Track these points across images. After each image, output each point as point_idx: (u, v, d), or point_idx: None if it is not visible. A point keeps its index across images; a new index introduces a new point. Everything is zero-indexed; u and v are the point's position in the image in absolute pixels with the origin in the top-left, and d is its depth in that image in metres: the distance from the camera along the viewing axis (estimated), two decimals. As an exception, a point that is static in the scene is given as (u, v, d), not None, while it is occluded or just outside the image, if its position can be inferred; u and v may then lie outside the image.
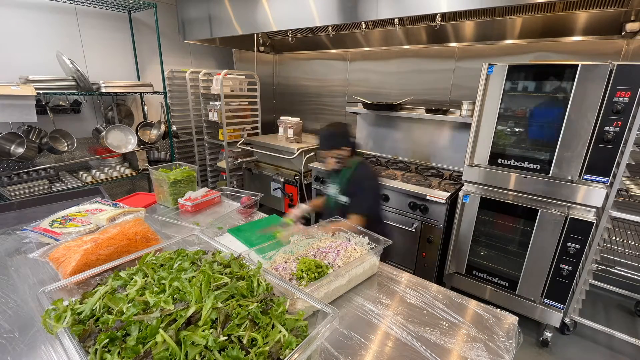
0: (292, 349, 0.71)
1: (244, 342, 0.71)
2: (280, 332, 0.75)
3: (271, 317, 0.78)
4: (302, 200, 3.09)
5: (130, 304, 0.79)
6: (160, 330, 0.69)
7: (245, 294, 0.86)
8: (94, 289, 0.91)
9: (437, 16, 2.18)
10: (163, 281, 0.89)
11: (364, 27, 2.73)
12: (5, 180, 2.51)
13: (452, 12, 2.07)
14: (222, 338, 0.70)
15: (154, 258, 1.04)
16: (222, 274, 0.92)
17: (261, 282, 0.91)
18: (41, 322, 0.77)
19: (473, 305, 1.19)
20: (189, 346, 0.67)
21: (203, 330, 0.72)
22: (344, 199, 1.81)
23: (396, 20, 2.36)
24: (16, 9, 2.59)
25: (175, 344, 0.68)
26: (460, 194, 2.22)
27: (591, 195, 1.83)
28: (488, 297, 2.28)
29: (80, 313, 0.79)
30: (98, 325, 0.75)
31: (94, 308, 0.81)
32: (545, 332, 2.14)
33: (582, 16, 2.15)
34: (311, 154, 3.08)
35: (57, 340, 0.74)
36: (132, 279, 0.93)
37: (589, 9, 1.99)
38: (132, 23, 3.19)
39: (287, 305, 0.84)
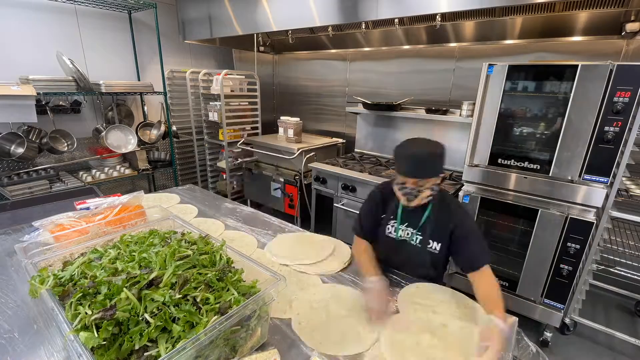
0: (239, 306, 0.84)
1: (198, 300, 0.84)
2: (232, 294, 0.88)
3: (227, 283, 0.92)
4: (302, 201, 3.09)
5: (102, 270, 0.94)
6: (125, 289, 0.82)
7: (206, 264, 0.99)
8: (74, 260, 1.06)
9: (437, 16, 2.18)
10: (134, 253, 1.02)
11: (364, 27, 2.72)
12: (5, 181, 2.51)
13: (452, 12, 2.07)
14: (178, 296, 0.83)
15: (129, 236, 1.17)
16: (187, 250, 1.05)
17: (222, 257, 1.05)
18: (29, 289, 0.92)
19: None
20: (148, 302, 0.80)
21: (162, 290, 0.84)
22: (435, 245, 1.34)
23: (396, 20, 2.36)
24: (16, 9, 2.59)
25: (137, 300, 0.81)
26: (460, 194, 2.21)
27: (591, 195, 1.82)
28: (488, 297, 2.28)
29: (61, 278, 0.94)
30: (75, 288, 0.88)
31: (73, 274, 0.95)
32: (545, 332, 2.14)
33: (582, 16, 2.15)
34: (311, 154, 3.07)
35: (41, 298, 0.87)
36: (107, 252, 1.06)
37: (589, 9, 1.99)
38: (132, 23, 3.19)
39: (243, 275, 0.98)
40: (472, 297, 1.22)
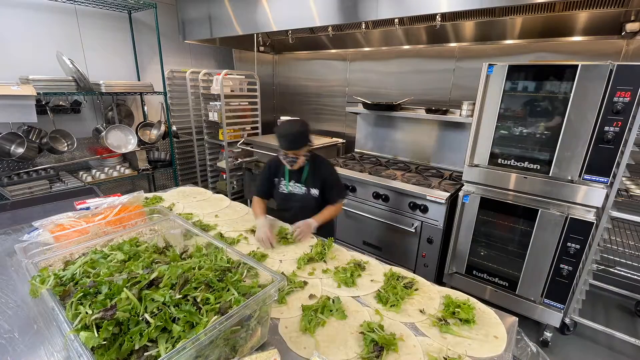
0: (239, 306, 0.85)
1: (198, 300, 0.85)
2: (232, 294, 0.89)
3: (227, 283, 0.93)
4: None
5: (106, 269, 0.95)
6: (125, 289, 0.83)
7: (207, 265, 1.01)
8: (75, 260, 1.07)
9: (437, 16, 2.18)
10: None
11: (364, 27, 2.72)
12: (5, 181, 2.52)
13: (452, 12, 2.07)
14: (178, 296, 0.84)
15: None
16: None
17: (223, 258, 1.09)
18: (29, 289, 0.91)
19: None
20: (148, 302, 0.81)
21: (163, 291, 0.85)
22: (314, 192, 1.87)
23: (396, 20, 2.36)
24: (16, 9, 2.59)
25: (137, 300, 0.81)
26: (460, 194, 2.22)
27: (591, 195, 1.82)
28: (488, 297, 2.28)
29: (62, 277, 0.94)
30: (76, 288, 0.88)
31: (74, 273, 0.95)
32: (545, 332, 2.14)
33: (582, 16, 2.15)
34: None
35: (42, 298, 0.87)
36: (111, 253, 1.07)
37: (589, 9, 1.99)
38: (132, 23, 3.19)
39: (244, 275, 1.01)
40: (472, 296, 1.22)
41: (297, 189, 1.89)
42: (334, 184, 1.89)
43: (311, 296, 1.22)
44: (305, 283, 1.30)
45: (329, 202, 1.88)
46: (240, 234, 1.69)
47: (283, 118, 3.38)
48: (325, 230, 1.87)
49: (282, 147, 1.74)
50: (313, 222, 1.71)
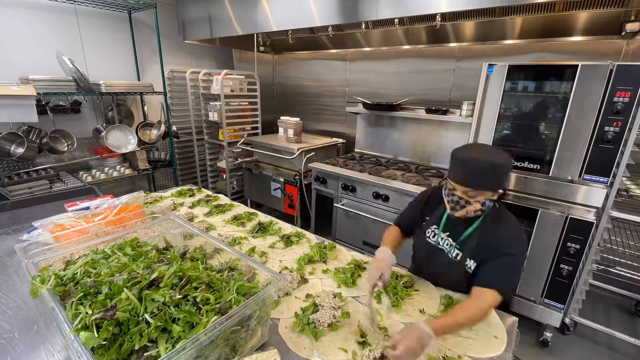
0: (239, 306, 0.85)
1: (198, 300, 0.85)
2: (233, 294, 0.89)
3: (227, 283, 0.93)
4: (302, 201, 3.09)
5: (108, 268, 0.94)
6: (125, 289, 0.82)
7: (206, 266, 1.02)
8: (76, 259, 1.07)
9: (437, 16, 2.18)
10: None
11: (364, 27, 2.72)
12: (6, 181, 2.51)
13: (452, 12, 2.07)
14: (178, 296, 0.84)
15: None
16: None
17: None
18: (30, 289, 0.91)
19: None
20: (148, 302, 0.81)
21: (163, 291, 0.85)
22: (470, 263, 1.20)
23: (396, 20, 2.36)
24: (16, 9, 2.59)
25: (137, 301, 0.81)
26: (460, 194, 2.21)
27: (591, 195, 1.82)
28: (488, 297, 2.28)
29: (63, 277, 0.94)
30: (77, 288, 0.88)
31: (75, 273, 0.95)
32: (545, 332, 2.14)
33: (582, 16, 2.15)
34: (311, 154, 3.07)
35: (42, 298, 0.87)
36: (115, 253, 1.07)
37: (589, 9, 1.99)
38: (132, 23, 3.19)
39: (245, 277, 1.00)
40: (468, 293, 1.22)
41: (448, 247, 1.27)
42: (500, 264, 1.12)
43: (308, 295, 1.22)
44: (306, 281, 1.30)
45: (476, 282, 1.12)
46: (240, 234, 1.69)
47: (283, 118, 3.36)
48: None
49: (453, 177, 1.16)
50: (427, 332, 0.90)
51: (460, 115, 2.57)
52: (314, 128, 3.91)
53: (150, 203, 2.03)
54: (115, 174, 3.10)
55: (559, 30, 2.30)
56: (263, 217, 1.89)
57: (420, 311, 1.16)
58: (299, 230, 1.74)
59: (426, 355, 0.91)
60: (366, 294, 1.19)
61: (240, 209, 2.01)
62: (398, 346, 0.86)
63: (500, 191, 1.15)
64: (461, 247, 1.23)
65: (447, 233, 1.28)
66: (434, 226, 1.32)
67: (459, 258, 1.22)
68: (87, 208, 1.55)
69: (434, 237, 1.31)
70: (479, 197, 1.12)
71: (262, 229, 1.72)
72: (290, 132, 3.27)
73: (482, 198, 1.13)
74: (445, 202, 1.21)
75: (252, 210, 1.96)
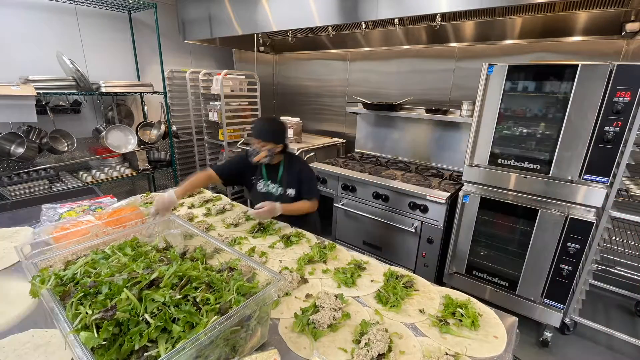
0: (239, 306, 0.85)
1: (198, 300, 0.85)
2: (232, 294, 0.89)
3: (227, 283, 0.94)
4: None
5: (108, 268, 0.95)
6: (125, 289, 0.83)
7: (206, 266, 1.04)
8: (76, 259, 1.08)
9: (437, 16, 2.18)
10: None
11: (364, 27, 2.72)
12: (6, 181, 2.51)
13: (452, 12, 2.07)
14: (178, 296, 0.84)
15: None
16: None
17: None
18: (30, 290, 0.90)
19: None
20: (148, 302, 0.81)
21: (163, 291, 0.85)
22: (290, 192, 1.90)
23: (396, 20, 2.36)
24: (16, 9, 2.59)
25: (137, 301, 0.81)
26: (460, 194, 2.22)
27: (591, 195, 1.82)
28: (488, 297, 2.28)
29: (63, 277, 0.94)
30: (76, 288, 0.88)
31: (75, 273, 0.95)
32: (545, 332, 2.14)
33: (582, 16, 2.15)
34: (311, 154, 3.07)
35: (42, 298, 0.86)
36: (115, 253, 1.07)
37: (589, 9, 1.99)
38: (132, 23, 3.19)
39: (245, 277, 1.02)
40: (472, 296, 1.22)
41: (274, 189, 1.93)
42: (306, 182, 1.91)
43: (308, 295, 1.22)
44: (306, 281, 1.30)
45: (303, 198, 1.90)
46: (240, 234, 1.69)
47: (283, 118, 3.38)
48: (307, 226, 1.84)
49: (252, 135, 1.81)
50: (278, 206, 1.71)
51: (460, 115, 2.57)
52: (314, 128, 3.92)
53: (151, 203, 2.03)
54: (115, 174, 3.10)
55: (559, 30, 2.30)
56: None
57: (420, 311, 1.16)
58: (299, 230, 1.74)
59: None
60: (366, 294, 1.25)
61: (239, 209, 2.02)
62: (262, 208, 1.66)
63: (281, 145, 1.83)
64: (280, 184, 1.92)
65: (270, 180, 1.95)
66: (261, 180, 1.97)
67: (281, 191, 1.91)
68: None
69: (263, 187, 1.96)
70: (267, 146, 1.77)
71: (262, 229, 1.72)
72: (290, 132, 3.28)
73: (268, 146, 1.77)
74: (250, 151, 1.81)
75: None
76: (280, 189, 1.91)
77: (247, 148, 1.97)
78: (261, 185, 1.96)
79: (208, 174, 1.90)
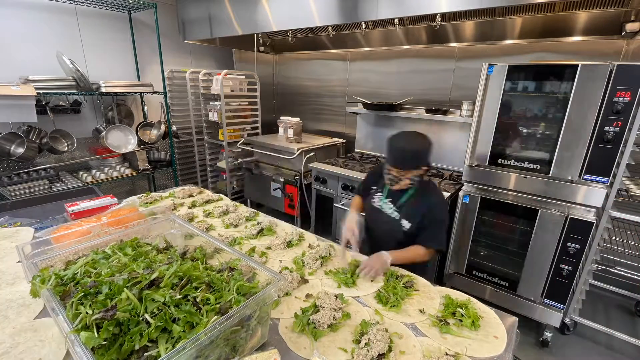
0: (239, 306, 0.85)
1: (198, 300, 0.85)
2: (233, 294, 0.89)
3: (227, 283, 0.94)
4: (302, 201, 3.09)
5: (108, 268, 0.95)
6: (125, 289, 0.82)
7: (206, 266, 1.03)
8: (77, 259, 1.08)
9: (437, 16, 2.18)
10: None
11: (364, 27, 2.72)
12: (5, 181, 2.51)
13: (452, 12, 2.07)
14: (178, 296, 0.84)
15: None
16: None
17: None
18: (30, 290, 0.92)
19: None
20: (148, 302, 0.81)
21: (163, 291, 0.85)
22: (405, 223, 1.55)
23: (396, 20, 2.36)
24: (16, 9, 2.59)
25: (138, 301, 0.81)
26: (460, 194, 2.22)
27: (591, 195, 1.83)
28: (488, 297, 2.28)
29: (64, 277, 0.93)
30: (77, 288, 0.88)
31: (75, 273, 0.95)
32: (545, 332, 2.14)
33: (582, 16, 2.15)
34: (311, 154, 3.08)
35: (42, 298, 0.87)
36: (115, 253, 1.07)
37: (589, 9, 1.99)
38: (132, 23, 3.19)
39: (245, 277, 1.01)
40: (472, 296, 1.22)
41: (390, 210, 1.60)
42: (433, 224, 1.51)
43: (308, 295, 1.22)
44: (306, 281, 1.30)
45: (418, 242, 1.52)
46: (241, 234, 1.69)
47: (283, 118, 3.37)
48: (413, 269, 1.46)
49: (388, 162, 1.48)
50: (388, 257, 1.39)
51: (460, 115, 2.57)
52: (314, 128, 3.92)
53: (151, 203, 2.03)
54: (115, 174, 3.10)
55: (559, 30, 2.30)
56: (263, 217, 1.89)
57: (420, 311, 1.16)
58: (299, 230, 1.73)
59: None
60: (366, 294, 1.25)
61: (241, 209, 2.02)
62: (369, 264, 1.34)
63: (425, 168, 1.48)
64: (399, 210, 1.57)
65: (389, 199, 1.61)
66: (379, 194, 1.66)
67: (396, 217, 1.57)
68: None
69: (379, 202, 1.65)
70: (408, 175, 1.46)
71: (262, 229, 1.72)
72: (290, 132, 3.27)
73: (410, 175, 1.46)
74: (385, 179, 1.54)
75: (254, 210, 1.96)
76: (396, 214, 1.57)
77: (379, 165, 1.77)
78: (376, 200, 1.65)
79: (359, 199, 1.78)
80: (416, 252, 1.49)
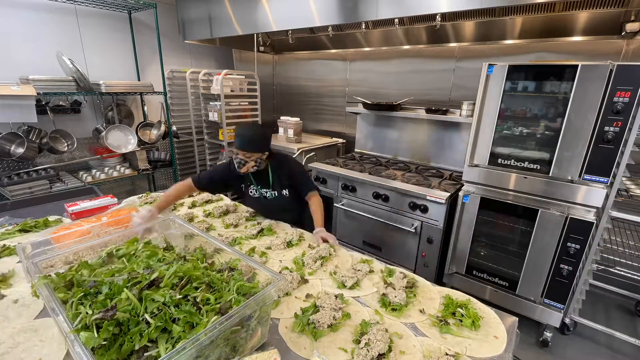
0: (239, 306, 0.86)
1: (198, 300, 0.85)
2: (233, 294, 0.90)
3: (227, 283, 0.95)
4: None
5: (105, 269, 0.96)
6: (125, 289, 0.83)
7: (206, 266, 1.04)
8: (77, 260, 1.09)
9: (437, 16, 2.18)
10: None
11: (364, 27, 2.72)
12: (5, 181, 2.52)
13: (452, 12, 2.06)
14: (178, 296, 0.85)
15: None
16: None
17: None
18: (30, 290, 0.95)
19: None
20: (148, 302, 0.81)
21: (163, 291, 0.85)
22: (285, 192, 1.86)
23: (396, 20, 2.36)
24: (16, 9, 2.59)
25: (137, 301, 0.81)
26: (460, 194, 2.22)
27: (591, 195, 1.82)
28: (488, 297, 2.28)
29: (64, 277, 0.93)
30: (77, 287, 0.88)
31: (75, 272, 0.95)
32: (545, 332, 2.14)
33: (582, 16, 2.15)
34: (311, 154, 3.08)
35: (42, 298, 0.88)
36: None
37: (589, 9, 1.99)
38: (132, 23, 3.19)
39: (245, 277, 1.02)
40: (472, 296, 1.22)
41: (267, 192, 1.86)
42: (299, 178, 1.86)
43: (308, 295, 1.22)
44: (306, 281, 1.30)
45: (303, 196, 1.85)
46: (241, 234, 1.69)
47: (283, 118, 3.38)
48: (309, 226, 1.81)
49: (236, 146, 1.69)
50: (323, 229, 1.68)
51: (460, 115, 2.57)
52: (314, 128, 3.92)
53: (150, 203, 2.03)
54: (115, 174, 3.10)
55: (559, 30, 2.30)
56: (262, 217, 1.89)
57: (421, 311, 1.16)
58: (299, 230, 1.74)
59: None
60: (367, 294, 1.25)
61: (240, 209, 2.02)
62: (329, 236, 1.63)
63: (267, 152, 1.74)
64: (273, 188, 1.85)
65: (260, 186, 1.86)
66: (251, 186, 1.87)
67: (277, 195, 1.86)
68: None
69: (256, 192, 1.88)
70: (253, 157, 1.68)
71: (262, 230, 1.72)
72: (290, 132, 3.28)
73: (254, 157, 1.68)
74: (235, 163, 1.71)
75: (254, 211, 1.96)
76: (274, 192, 1.85)
77: (231, 156, 1.87)
78: (253, 192, 1.88)
79: (188, 185, 1.81)
80: (315, 206, 1.79)
